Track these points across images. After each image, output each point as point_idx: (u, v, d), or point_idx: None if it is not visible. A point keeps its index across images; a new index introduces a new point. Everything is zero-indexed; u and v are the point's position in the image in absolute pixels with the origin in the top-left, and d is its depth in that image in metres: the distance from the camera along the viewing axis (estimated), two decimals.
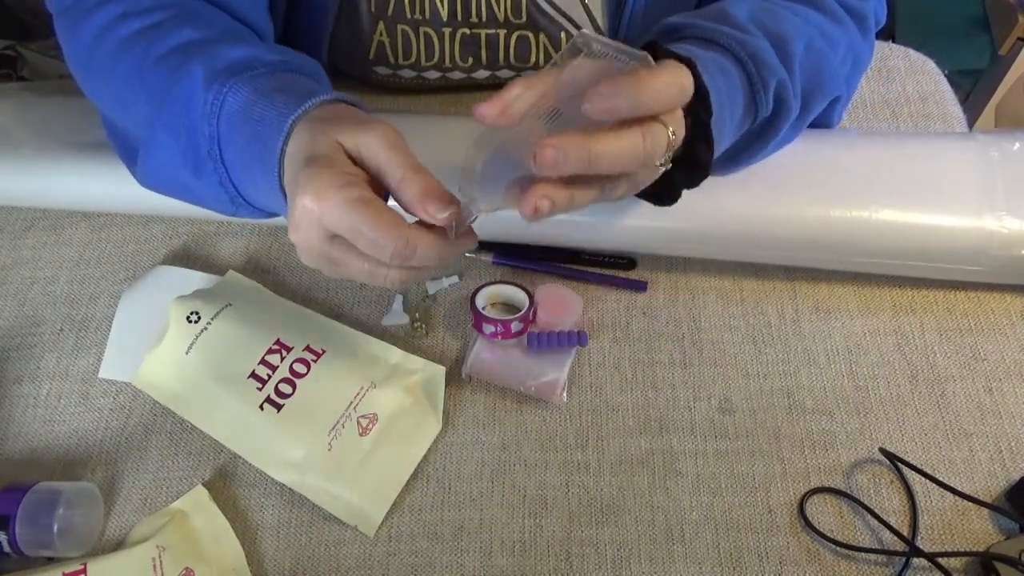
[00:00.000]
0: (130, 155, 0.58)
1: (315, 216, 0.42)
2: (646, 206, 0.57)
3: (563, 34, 0.69)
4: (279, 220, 0.53)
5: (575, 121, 0.43)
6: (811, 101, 0.58)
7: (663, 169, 0.47)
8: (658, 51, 0.48)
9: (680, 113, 0.45)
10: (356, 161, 0.45)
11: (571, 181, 0.44)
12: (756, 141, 0.58)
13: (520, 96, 0.43)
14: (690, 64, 0.46)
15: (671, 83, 0.43)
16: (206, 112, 0.49)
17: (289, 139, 0.46)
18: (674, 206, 0.55)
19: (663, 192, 0.53)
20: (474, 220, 0.45)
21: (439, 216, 0.43)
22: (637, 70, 0.43)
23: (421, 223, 0.44)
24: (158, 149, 0.53)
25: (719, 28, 0.53)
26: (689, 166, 0.51)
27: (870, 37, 0.64)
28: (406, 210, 0.44)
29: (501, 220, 0.53)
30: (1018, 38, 1.32)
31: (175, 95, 0.50)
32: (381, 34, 0.69)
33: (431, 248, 0.44)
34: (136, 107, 0.54)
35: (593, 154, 0.42)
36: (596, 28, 0.69)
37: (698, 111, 0.48)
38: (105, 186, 0.69)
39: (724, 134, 0.52)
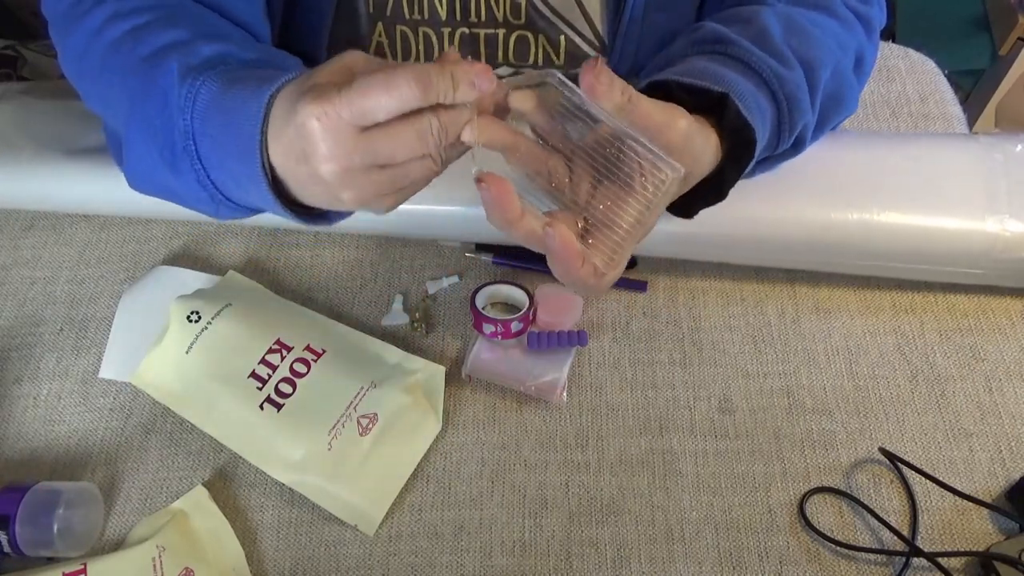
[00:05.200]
0: (120, 158, 0.58)
1: (336, 119, 0.41)
2: None
3: (562, 37, 0.69)
4: (277, 220, 0.53)
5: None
6: (825, 123, 0.59)
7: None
8: (728, 106, 0.49)
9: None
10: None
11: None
12: (760, 166, 0.59)
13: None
14: (750, 137, 0.49)
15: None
16: (180, 106, 0.49)
17: (271, 111, 0.45)
18: None
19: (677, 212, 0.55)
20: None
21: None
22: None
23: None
24: (138, 147, 0.53)
25: (763, 58, 0.53)
26: (710, 198, 0.53)
27: (875, 39, 0.64)
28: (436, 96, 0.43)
29: None
30: (1018, 38, 1.32)
31: (154, 93, 0.51)
32: (380, 35, 0.69)
33: (467, 71, 0.42)
34: (119, 105, 0.54)
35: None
36: (595, 31, 0.69)
37: (739, 156, 0.50)
38: (105, 189, 0.69)
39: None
